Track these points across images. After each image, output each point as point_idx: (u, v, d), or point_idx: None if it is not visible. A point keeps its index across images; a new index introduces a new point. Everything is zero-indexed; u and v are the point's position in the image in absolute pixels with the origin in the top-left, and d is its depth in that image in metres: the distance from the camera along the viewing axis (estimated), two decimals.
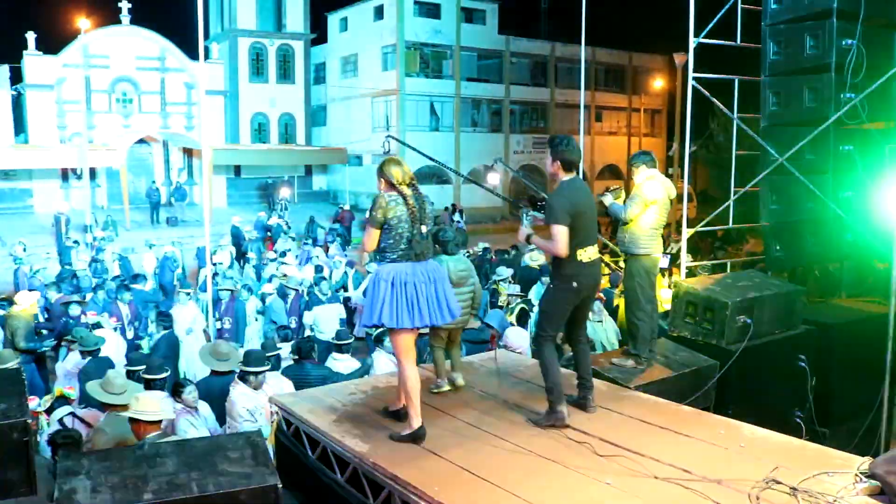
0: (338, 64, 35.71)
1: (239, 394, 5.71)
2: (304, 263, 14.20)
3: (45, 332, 8.68)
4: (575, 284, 4.38)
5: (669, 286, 8.96)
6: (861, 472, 3.49)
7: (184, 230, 23.35)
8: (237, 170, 31.33)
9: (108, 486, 2.52)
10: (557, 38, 35.65)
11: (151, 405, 4.55)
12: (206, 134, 22.54)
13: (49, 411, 5.70)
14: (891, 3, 7.59)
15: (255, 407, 5.66)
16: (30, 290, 9.84)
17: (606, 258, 10.32)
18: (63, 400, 5.74)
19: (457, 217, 25.64)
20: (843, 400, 6.83)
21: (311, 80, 34.56)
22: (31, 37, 26.91)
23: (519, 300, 9.88)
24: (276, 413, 5.20)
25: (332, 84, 35.88)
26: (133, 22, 28.80)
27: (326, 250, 16.38)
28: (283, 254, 15.07)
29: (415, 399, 4.16)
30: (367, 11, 33.33)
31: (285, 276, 11.96)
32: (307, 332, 9.86)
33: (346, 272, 12.90)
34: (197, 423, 5.40)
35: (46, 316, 9.87)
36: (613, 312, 9.00)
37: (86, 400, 5.84)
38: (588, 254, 4.38)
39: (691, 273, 9.06)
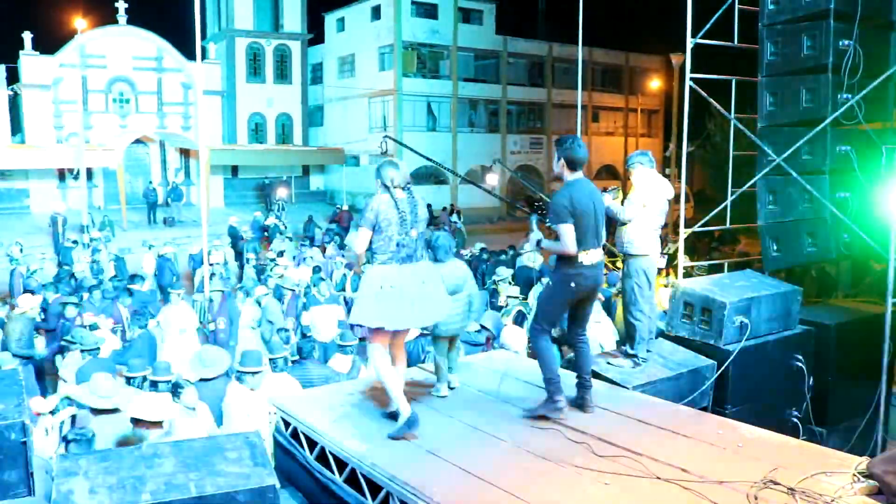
0: (335, 64, 35.67)
1: (236, 394, 5.70)
2: (299, 264, 14.15)
3: (43, 332, 8.62)
4: (573, 285, 4.39)
5: (667, 286, 8.97)
6: (859, 472, 3.49)
7: (181, 230, 23.31)
8: (234, 170, 31.33)
9: (106, 486, 2.52)
10: (554, 38, 35.68)
11: (153, 405, 4.54)
12: (203, 134, 22.49)
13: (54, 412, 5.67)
14: (888, 4, 7.61)
15: (253, 407, 5.64)
16: (25, 291, 9.77)
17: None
18: (68, 400, 5.71)
19: (454, 218, 25.61)
20: (840, 400, 6.85)
21: (309, 81, 34.55)
22: (27, 37, 26.83)
23: (516, 301, 9.85)
24: (275, 413, 5.19)
25: (329, 84, 35.85)
26: (130, 22, 28.76)
27: (324, 251, 16.33)
28: (280, 254, 15.06)
29: (395, 389, 4.21)
30: (364, 11, 33.29)
31: (282, 276, 11.92)
32: (301, 333, 9.80)
33: (345, 274, 12.86)
34: (195, 424, 5.38)
35: (43, 317, 9.83)
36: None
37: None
38: (590, 256, 4.38)
39: (688, 273, 9.06)
